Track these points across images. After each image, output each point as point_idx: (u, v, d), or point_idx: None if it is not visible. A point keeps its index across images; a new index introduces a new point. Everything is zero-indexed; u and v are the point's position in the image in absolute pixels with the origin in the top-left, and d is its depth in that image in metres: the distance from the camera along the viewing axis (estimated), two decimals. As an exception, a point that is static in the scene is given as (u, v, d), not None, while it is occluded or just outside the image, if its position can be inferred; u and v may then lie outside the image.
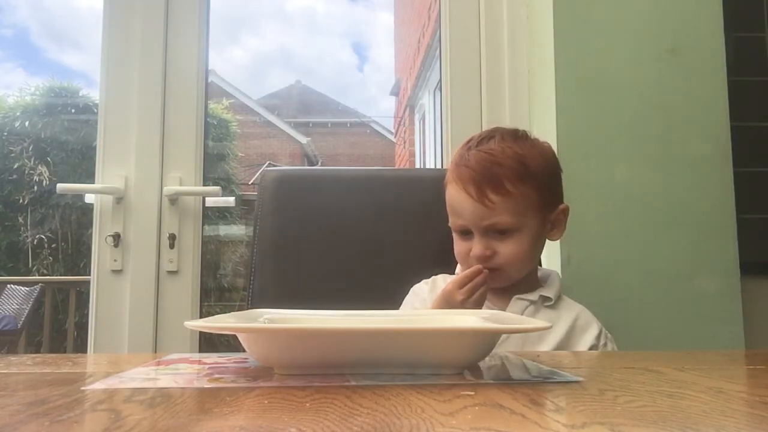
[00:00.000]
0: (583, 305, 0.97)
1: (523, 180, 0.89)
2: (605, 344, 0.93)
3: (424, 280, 1.00)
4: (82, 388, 0.45)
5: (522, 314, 0.91)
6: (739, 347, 1.25)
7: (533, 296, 0.93)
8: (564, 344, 0.90)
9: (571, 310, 0.95)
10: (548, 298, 0.93)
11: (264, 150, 8.75)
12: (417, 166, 6.73)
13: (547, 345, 0.89)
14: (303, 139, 9.57)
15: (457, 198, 0.91)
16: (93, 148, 1.54)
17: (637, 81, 1.33)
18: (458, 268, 0.99)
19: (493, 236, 0.89)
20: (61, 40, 14.44)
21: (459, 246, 0.93)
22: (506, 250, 0.89)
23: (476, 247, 0.90)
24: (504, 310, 0.91)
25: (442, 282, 0.97)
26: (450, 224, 0.94)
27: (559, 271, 1.26)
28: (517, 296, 0.92)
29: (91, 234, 1.51)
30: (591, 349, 0.91)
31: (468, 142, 0.95)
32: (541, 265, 1.05)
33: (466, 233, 0.92)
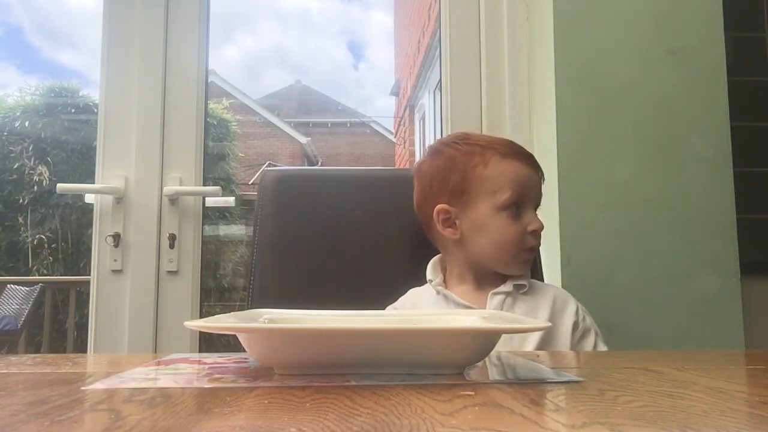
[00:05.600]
0: (581, 304, 0.97)
1: None
2: (584, 318, 0.94)
3: (392, 305, 0.97)
4: (82, 388, 0.45)
5: (501, 307, 0.91)
6: (739, 347, 1.25)
7: (507, 288, 0.93)
8: (549, 328, 0.90)
9: (547, 293, 0.96)
10: (522, 285, 0.94)
11: (264, 150, 8.74)
12: (417, 166, 6.70)
13: (534, 334, 0.89)
14: (303, 139, 9.56)
15: (525, 170, 0.94)
16: (93, 148, 1.54)
17: (637, 81, 1.33)
18: (429, 270, 0.98)
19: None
20: (55, 39, 14.39)
21: (512, 226, 0.92)
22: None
23: (537, 220, 0.94)
24: (483, 307, 0.91)
25: (411, 297, 0.97)
26: (497, 203, 0.91)
27: (559, 271, 1.26)
28: (492, 291, 0.93)
29: (91, 234, 1.51)
30: (574, 327, 0.92)
31: (469, 134, 1.00)
32: None
33: (519, 207, 0.92)
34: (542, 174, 0.97)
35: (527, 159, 0.96)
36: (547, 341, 0.89)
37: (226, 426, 0.33)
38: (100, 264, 1.48)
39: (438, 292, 0.95)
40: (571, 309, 0.93)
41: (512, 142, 0.98)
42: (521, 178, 0.93)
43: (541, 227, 0.93)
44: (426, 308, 0.94)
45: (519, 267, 0.94)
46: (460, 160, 0.94)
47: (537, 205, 0.96)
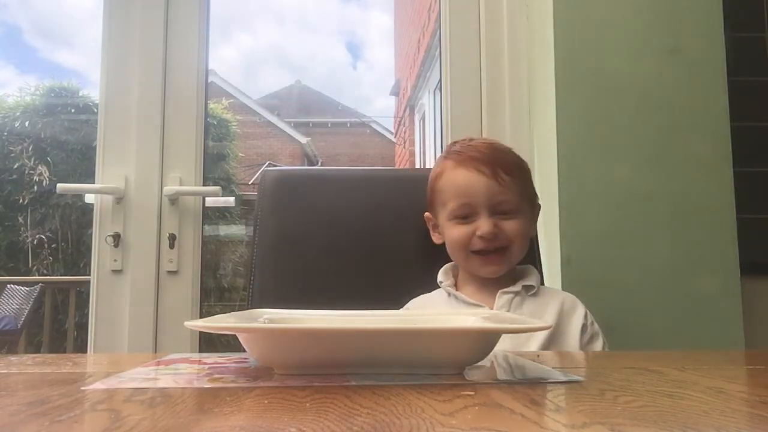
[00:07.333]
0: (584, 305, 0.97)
1: (521, 170, 0.97)
2: (592, 323, 0.94)
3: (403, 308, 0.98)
4: (82, 388, 0.45)
5: (509, 305, 0.93)
6: (739, 347, 1.25)
7: (516, 288, 0.94)
8: (557, 329, 0.91)
9: (556, 296, 0.97)
10: (531, 286, 0.95)
11: (264, 150, 8.74)
12: (417, 166, 6.73)
13: (539, 335, 0.89)
14: (303, 139, 9.57)
15: (467, 177, 0.93)
16: (93, 148, 1.54)
17: (637, 80, 1.33)
18: (441, 274, 0.99)
19: (497, 217, 0.93)
20: (54, 39, 14.39)
21: (459, 230, 0.93)
22: (510, 227, 0.93)
23: (485, 224, 0.91)
24: (491, 305, 0.93)
25: (420, 302, 0.98)
26: (447, 213, 0.95)
27: (559, 271, 1.26)
28: (501, 290, 0.94)
29: (91, 234, 1.51)
30: (582, 329, 0.92)
31: (456, 142, 1.01)
32: None
33: (467, 217, 0.93)
34: (502, 177, 0.92)
35: (476, 165, 0.93)
36: (555, 342, 0.90)
37: (226, 426, 0.33)
38: (100, 264, 1.48)
39: (449, 294, 0.97)
40: (579, 312, 0.94)
41: (471, 147, 0.96)
42: (463, 188, 0.93)
43: (489, 231, 0.91)
44: (434, 308, 0.95)
45: (477, 269, 0.95)
46: (432, 172, 1.00)
47: (496, 209, 0.92)
